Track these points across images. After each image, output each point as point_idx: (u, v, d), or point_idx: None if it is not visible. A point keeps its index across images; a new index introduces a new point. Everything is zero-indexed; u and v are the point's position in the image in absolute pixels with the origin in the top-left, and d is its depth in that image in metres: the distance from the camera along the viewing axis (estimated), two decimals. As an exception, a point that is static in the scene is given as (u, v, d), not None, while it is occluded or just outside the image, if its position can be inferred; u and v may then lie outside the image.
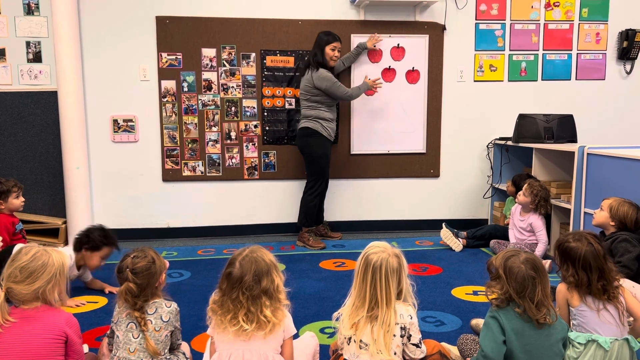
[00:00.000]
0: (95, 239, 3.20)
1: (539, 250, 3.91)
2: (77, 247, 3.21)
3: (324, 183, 4.52)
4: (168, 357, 2.03)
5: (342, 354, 1.97)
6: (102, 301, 3.21)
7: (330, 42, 4.35)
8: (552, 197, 4.11)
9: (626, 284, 2.87)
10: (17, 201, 3.57)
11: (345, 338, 1.96)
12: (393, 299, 1.93)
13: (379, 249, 1.98)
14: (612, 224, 3.10)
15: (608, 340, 2.07)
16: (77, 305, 3.11)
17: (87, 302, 3.17)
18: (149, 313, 2.02)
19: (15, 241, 3.48)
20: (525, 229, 4.03)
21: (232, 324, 1.85)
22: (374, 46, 4.74)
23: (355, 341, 1.92)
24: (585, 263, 2.11)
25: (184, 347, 2.20)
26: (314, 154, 4.42)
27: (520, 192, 4.05)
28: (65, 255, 2.04)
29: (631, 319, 2.30)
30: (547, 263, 3.48)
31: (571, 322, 2.17)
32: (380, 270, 1.92)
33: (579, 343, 2.07)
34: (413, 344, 1.94)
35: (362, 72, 4.81)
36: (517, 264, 1.93)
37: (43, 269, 1.91)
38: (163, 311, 2.04)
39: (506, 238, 4.23)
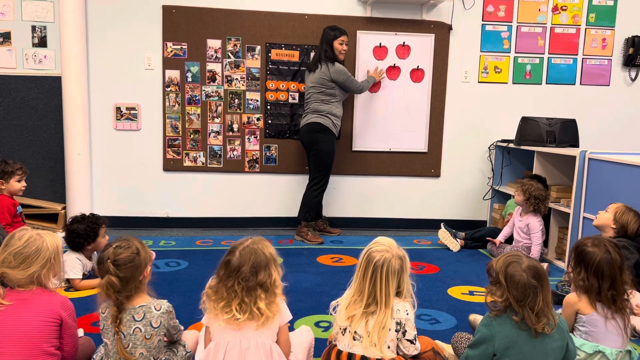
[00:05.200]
0: (85, 233, 3.17)
1: (533, 253, 3.91)
2: (79, 248, 3.20)
3: (328, 180, 4.54)
4: (164, 359, 1.97)
5: (336, 345, 1.97)
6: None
7: (338, 36, 4.37)
8: (551, 201, 4.11)
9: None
10: (18, 184, 3.56)
11: (340, 329, 1.95)
12: (391, 299, 1.92)
13: (384, 248, 1.95)
14: (613, 226, 3.11)
15: (614, 352, 2.07)
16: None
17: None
18: (137, 320, 1.88)
19: (16, 224, 3.49)
20: (523, 229, 4.03)
21: (224, 311, 1.84)
22: (381, 79, 4.86)
23: (350, 332, 1.92)
24: (598, 270, 2.08)
25: (190, 334, 2.17)
26: (323, 151, 4.41)
27: (516, 193, 4.06)
28: (59, 237, 2.03)
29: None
30: (544, 266, 3.48)
31: (576, 329, 2.17)
32: (382, 269, 1.90)
33: (584, 352, 2.07)
34: (407, 340, 1.94)
35: (367, 68, 4.81)
36: (519, 272, 1.86)
37: (37, 254, 1.90)
38: (152, 316, 1.90)
39: (505, 241, 4.22)
